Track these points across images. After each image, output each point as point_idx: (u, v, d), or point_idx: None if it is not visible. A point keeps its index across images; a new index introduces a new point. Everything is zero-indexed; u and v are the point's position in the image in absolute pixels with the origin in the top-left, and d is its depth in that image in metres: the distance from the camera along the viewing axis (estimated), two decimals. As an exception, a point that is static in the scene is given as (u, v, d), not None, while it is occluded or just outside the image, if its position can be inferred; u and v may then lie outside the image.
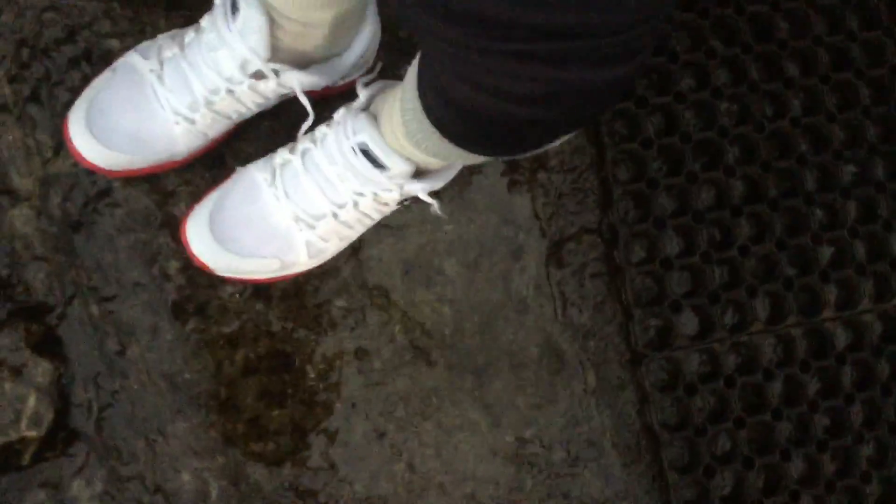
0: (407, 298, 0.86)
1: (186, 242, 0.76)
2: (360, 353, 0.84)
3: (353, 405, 0.84)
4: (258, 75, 0.71)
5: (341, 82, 0.79)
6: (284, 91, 0.74)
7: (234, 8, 0.67)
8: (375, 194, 0.71)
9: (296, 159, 0.73)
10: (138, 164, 0.75)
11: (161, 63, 0.73)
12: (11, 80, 0.81)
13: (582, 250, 0.92)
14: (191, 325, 0.81)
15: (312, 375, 0.83)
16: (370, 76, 0.75)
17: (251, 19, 0.66)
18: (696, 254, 0.92)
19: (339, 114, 0.72)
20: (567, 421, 0.89)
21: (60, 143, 0.80)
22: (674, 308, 0.91)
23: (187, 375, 0.81)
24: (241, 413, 0.81)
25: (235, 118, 0.76)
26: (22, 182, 0.81)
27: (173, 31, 0.77)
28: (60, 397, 0.79)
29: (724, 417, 0.90)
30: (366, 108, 0.71)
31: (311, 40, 0.70)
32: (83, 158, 0.74)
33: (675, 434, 0.89)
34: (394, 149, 0.67)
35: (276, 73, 0.71)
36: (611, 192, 0.92)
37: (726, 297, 0.92)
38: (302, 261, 0.77)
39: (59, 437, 0.79)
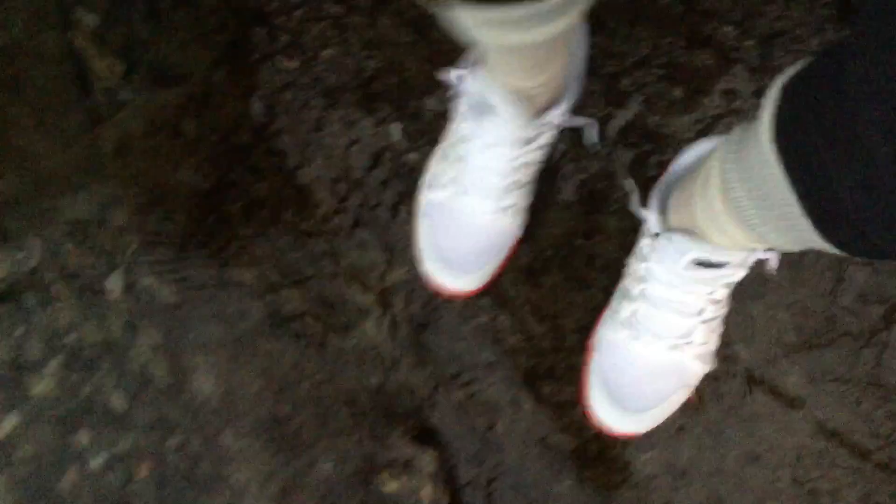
0: (742, 312, 0.85)
1: (609, 432, 0.78)
2: (707, 380, 0.84)
3: (715, 433, 0.84)
4: (535, 137, 0.75)
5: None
6: (556, 128, 0.78)
7: (486, 107, 0.71)
8: (726, 284, 0.72)
9: (641, 304, 0.74)
10: (497, 264, 0.83)
11: (454, 184, 0.79)
12: (336, 213, 0.91)
13: None
14: (545, 389, 0.86)
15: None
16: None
17: (509, 109, 0.70)
18: None
19: (646, 243, 0.73)
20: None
21: (392, 256, 0.89)
22: None
23: (556, 436, 0.85)
24: (612, 462, 0.84)
25: (537, 174, 0.82)
26: (365, 298, 0.90)
27: (439, 151, 0.83)
28: (450, 480, 0.87)
29: None
30: (665, 222, 0.72)
31: (551, 85, 0.72)
32: (456, 293, 0.82)
33: None
34: (726, 246, 0.66)
35: (546, 123, 0.75)
36: None
37: None
38: (700, 371, 0.78)
39: (460, 516, 0.86)
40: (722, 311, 0.77)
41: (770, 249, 0.69)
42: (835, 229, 0.46)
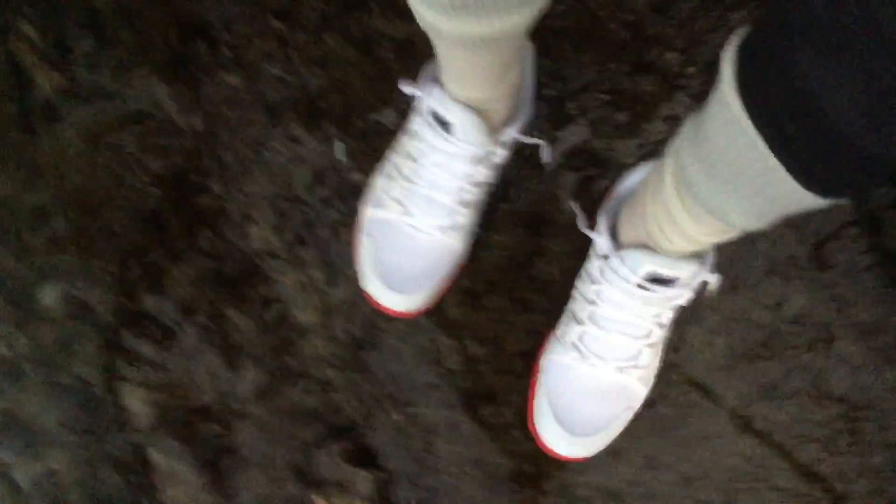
0: (676, 336, 0.86)
1: (553, 453, 0.77)
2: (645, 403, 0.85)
3: (651, 456, 0.84)
4: (488, 155, 0.75)
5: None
6: (509, 147, 0.78)
7: (441, 122, 0.71)
8: (673, 306, 0.72)
9: (589, 327, 0.74)
10: (441, 285, 0.82)
11: (400, 202, 0.78)
12: (276, 230, 0.90)
13: (845, 246, 0.88)
14: (483, 411, 0.86)
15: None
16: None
17: (467, 124, 0.70)
18: (974, 220, 0.85)
19: (594, 266, 0.73)
20: (879, 426, 0.84)
21: (332, 276, 0.88)
22: (966, 283, 0.85)
23: (493, 459, 0.85)
24: (549, 482, 0.84)
25: (485, 195, 0.81)
26: (305, 316, 0.89)
27: (384, 169, 0.82)
28: (386, 501, 0.86)
29: None
30: (615, 240, 0.72)
31: (509, 99, 0.72)
32: (398, 313, 0.81)
33: None
34: (678, 254, 0.66)
35: (501, 141, 0.75)
36: (859, 180, 0.88)
37: None
38: (642, 394, 0.78)
39: (396, 538, 0.85)
40: (666, 334, 0.77)
41: (714, 271, 0.70)
42: (818, 163, 0.44)
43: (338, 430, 0.88)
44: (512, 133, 0.75)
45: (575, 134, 0.88)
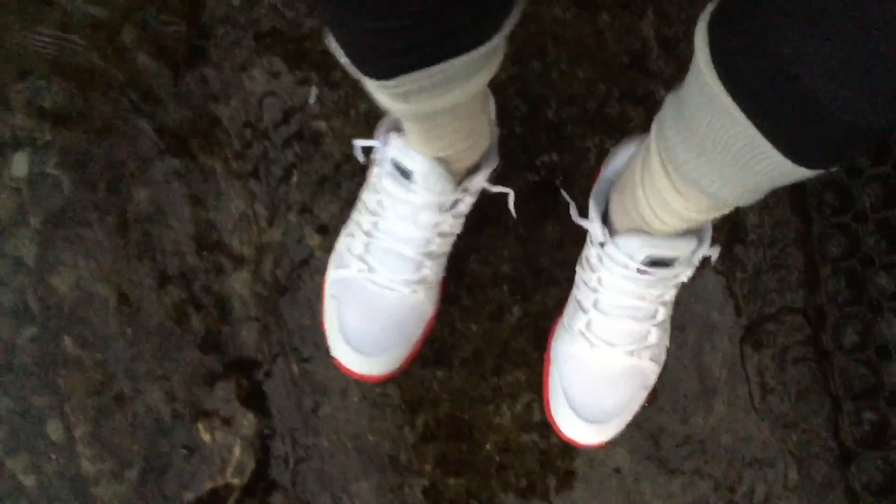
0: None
1: (573, 442, 0.76)
2: (540, 427, 0.83)
3: (529, 482, 0.83)
4: (455, 203, 0.72)
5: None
6: (475, 195, 0.75)
7: (404, 173, 0.68)
8: (675, 284, 0.71)
9: (594, 315, 0.72)
10: (410, 345, 0.78)
11: (362, 259, 0.75)
12: (237, 157, 0.90)
13: (783, 332, 0.85)
14: (377, 389, 0.85)
15: (488, 446, 0.83)
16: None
17: (432, 172, 0.66)
18: (921, 342, 0.82)
19: (592, 253, 0.71)
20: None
21: (274, 215, 0.88)
22: (892, 402, 0.82)
23: (371, 437, 0.84)
24: (419, 478, 0.83)
25: (452, 244, 0.78)
26: (243, 249, 0.89)
27: (346, 229, 0.78)
28: (262, 449, 0.86)
29: (954, 533, 0.78)
30: (608, 225, 0.70)
31: (476, 147, 0.69)
32: (366, 377, 0.77)
33: (892, 547, 0.79)
34: (674, 233, 0.65)
35: (467, 189, 0.72)
36: (818, 269, 0.85)
37: (959, 394, 0.81)
38: (655, 371, 0.77)
39: (259, 486, 0.85)
40: (671, 311, 0.75)
41: (714, 245, 0.69)
42: (800, 134, 0.44)
43: (238, 366, 0.88)
44: (480, 182, 0.72)
45: (544, 142, 0.87)
